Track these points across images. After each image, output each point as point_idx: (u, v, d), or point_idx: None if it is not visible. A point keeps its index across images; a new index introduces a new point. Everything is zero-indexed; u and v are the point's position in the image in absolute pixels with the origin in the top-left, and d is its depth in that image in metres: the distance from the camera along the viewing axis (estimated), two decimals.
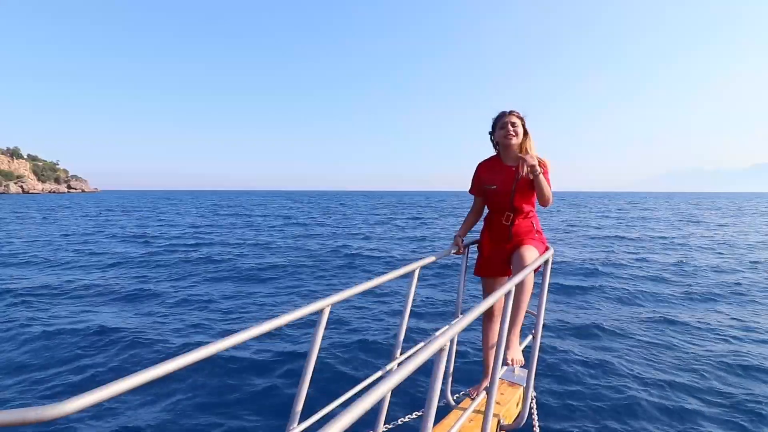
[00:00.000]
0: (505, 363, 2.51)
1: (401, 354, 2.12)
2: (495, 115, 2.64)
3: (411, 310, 2.21)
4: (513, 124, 2.54)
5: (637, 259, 13.76)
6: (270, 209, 48.36)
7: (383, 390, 0.89)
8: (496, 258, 2.66)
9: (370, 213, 41.37)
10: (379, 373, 1.87)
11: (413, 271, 2.13)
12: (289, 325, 6.21)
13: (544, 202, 2.54)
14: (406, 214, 40.05)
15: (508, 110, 2.59)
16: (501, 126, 2.56)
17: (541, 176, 2.45)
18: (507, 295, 1.83)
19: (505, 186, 2.57)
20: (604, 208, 50.37)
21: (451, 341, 2.40)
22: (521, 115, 2.58)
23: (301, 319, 1.38)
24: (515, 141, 2.54)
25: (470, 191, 2.76)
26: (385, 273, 1.93)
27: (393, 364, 2.03)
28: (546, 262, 2.49)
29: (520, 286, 2.47)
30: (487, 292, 2.74)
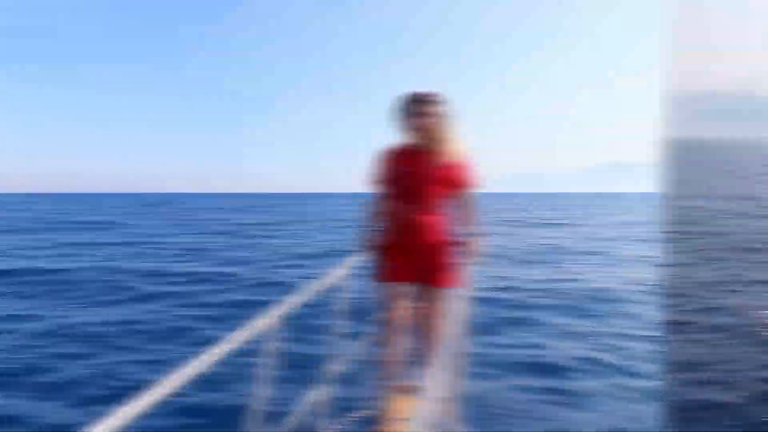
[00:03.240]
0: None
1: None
2: (409, 94, 2.17)
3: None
4: (427, 113, 2.11)
5: None
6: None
7: None
8: (399, 259, 2.22)
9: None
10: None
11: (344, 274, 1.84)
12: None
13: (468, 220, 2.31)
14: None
15: (425, 92, 2.13)
16: (413, 113, 2.13)
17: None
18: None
19: (416, 169, 2.16)
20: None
21: None
22: (440, 99, 2.13)
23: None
24: (429, 126, 2.13)
25: (369, 183, 2.29)
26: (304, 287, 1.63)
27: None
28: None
29: (435, 321, 2.21)
30: (392, 300, 2.23)
